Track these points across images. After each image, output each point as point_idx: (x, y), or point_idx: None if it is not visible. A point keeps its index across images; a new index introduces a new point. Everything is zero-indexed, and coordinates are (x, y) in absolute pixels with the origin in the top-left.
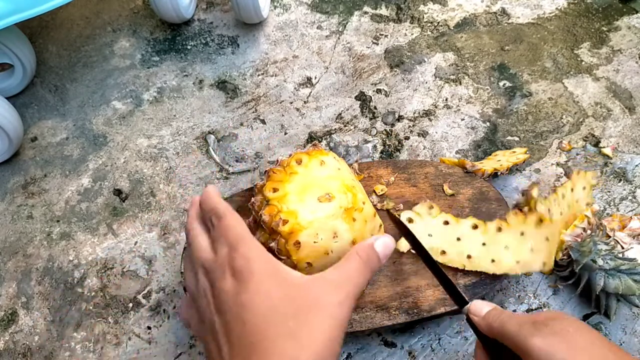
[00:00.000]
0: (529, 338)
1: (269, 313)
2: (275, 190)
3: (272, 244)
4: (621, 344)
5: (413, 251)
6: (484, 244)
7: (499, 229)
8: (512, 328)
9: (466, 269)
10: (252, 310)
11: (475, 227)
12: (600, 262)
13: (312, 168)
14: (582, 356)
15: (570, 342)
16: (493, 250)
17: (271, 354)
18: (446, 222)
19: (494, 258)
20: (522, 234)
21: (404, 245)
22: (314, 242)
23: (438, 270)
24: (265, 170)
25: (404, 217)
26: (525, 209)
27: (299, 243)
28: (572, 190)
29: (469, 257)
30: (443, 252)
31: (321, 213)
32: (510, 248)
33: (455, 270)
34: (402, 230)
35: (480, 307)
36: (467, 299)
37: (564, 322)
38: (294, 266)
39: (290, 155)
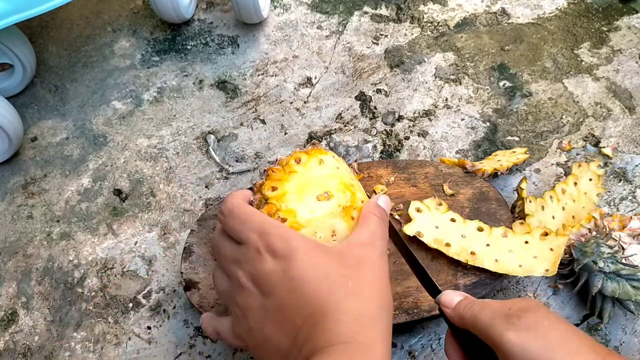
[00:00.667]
0: (502, 332)
1: (325, 280)
2: (274, 189)
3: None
4: (621, 344)
5: (419, 237)
6: (487, 245)
7: (504, 235)
8: (484, 320)
9: (469, 263)
10: (308, 281)
11: (480, 229)
12: (601, 264)
13: (311, 167)
14: (557, 351)
15: (544, 337)
16: (497, 251)
17: (342, 312)
18: (453, 220)
19: (497, 258)
20: (526, 242)
21: (409, 229)
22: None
23: (413, 259)
24: (265, 170)
25: (412, 206)
26: (526, 218)
27: None
28: (575, 184)
29: (472, 253)
30: (448, 244)
31: (320, 212)
32: (514, 252)
33: (456, 270)
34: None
35: (451, 298)
36: (439, 289)
37: (537, 314)
38: None
39: (289, 155)
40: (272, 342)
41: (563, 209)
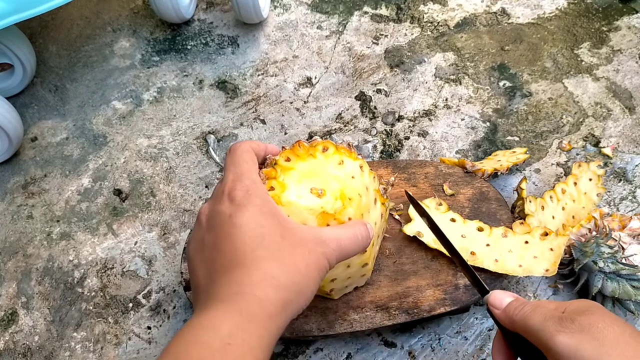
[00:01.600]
0: (554, 335)
1: (259, 239)
2: (288, 160)
3: None
4: None
5: (419, 237)
6: (487, 245)
7: (504, 235)
8: (535, 323)
9: (469, 263)
10: (245, 232)
11: (480, 229)
12: (601, 264)
13: (330, 162)
14: (611, 354)
15: (599, 339)
16: (497, 251)
17: (257, 268)
18: (453, 220)
19: (497, 258)
20: (526, 242)
21: (409, 229)
22: None
23: (458, 255)
24: (298, 141)
25: (412, 208)
26: (526, 218)
27: None
28: (575, 184)
29: (472, 253)
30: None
31: (304, 202)
32: (514, 252)
33: (456, 270)
34: (419, 211)
35: (500, 299)
36: (487, 288)
37: (592, 316)
38: None
39: (324, 139)
40: (195, 275)
41: (563, 209)
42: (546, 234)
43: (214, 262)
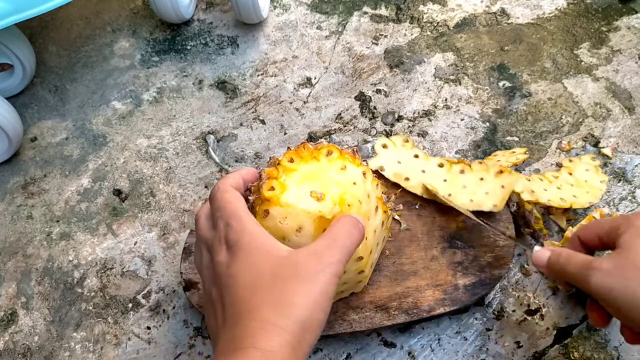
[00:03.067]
0: (587, 281)
1: (253, 284)
2: (291, 160)
3: (251, 198)
4: (621, 344)
5: (381, 172)
6: (445, 180)
7: (462, 172)
8: (571, 272)
9: (421, 195)
10: (239, 281)
11: (441, 165)
12: None
13: (332, 166)
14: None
15: (624, 278)
16: (452, 186)
17: (253, 319)
18: (416, 156)
19: (451, 193)
20: (481, 179)
21: (372, 164)
22: (279, 222)
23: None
24: (303, 142)
25: (378, 142)
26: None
27: (268, 213)
28: (570, 174)
29: (424, 186)
30: (407, 179)
31: (302, 204)
32: (468, 188)
33: (455, 270)
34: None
35: (541, 258)
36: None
37: (618, 258)
38: None
39: (329, 143)
40: (209, 327)
41: (559, 188)
42: (501, 172)
43: (219, 316)
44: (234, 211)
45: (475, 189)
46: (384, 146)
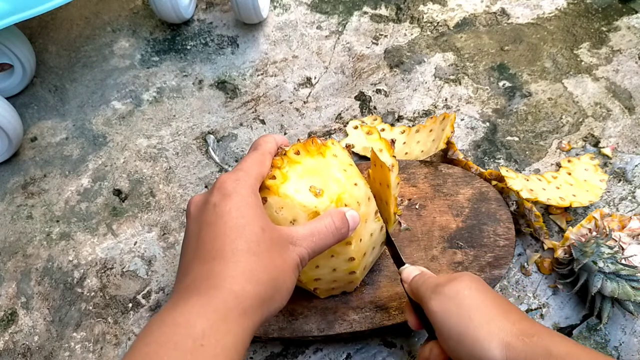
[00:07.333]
0: (428, 301)
1: (240, 229)
2: (297, 153)
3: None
4: (620, 344)
5: (351, 149)
6: (404, 143)
7: (417, 131)
8: (421, 291)
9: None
10: (226, 222)
11: (402, 132)
12: (600, 264)
13: (335, 164)
14: (472, 317)
15: (461, 305)
16: (409, 146)
17: (234, 261)
18: (382, 130)
19: (407, 151)
20: (430, 130)
21: (343, 142)
22: (275, 211)
23: (389, 238)
24: (313, 137)
25: (350, 125)
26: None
27: (266, 201)
28: (569, 174)
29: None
30: (372, 150)
31: (300, 197)
32: (421, 141)
33: (455, 270)
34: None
35: (409, 273)
36: (404, 261)
37: (460, 284)
38: None
39: (338, 140)
40: (180, 261)
41: (557, 188)
42: (444, 119)
43: (195, 250)
44: (247, 168)
45: (426, 140)
46: (355, 127)
